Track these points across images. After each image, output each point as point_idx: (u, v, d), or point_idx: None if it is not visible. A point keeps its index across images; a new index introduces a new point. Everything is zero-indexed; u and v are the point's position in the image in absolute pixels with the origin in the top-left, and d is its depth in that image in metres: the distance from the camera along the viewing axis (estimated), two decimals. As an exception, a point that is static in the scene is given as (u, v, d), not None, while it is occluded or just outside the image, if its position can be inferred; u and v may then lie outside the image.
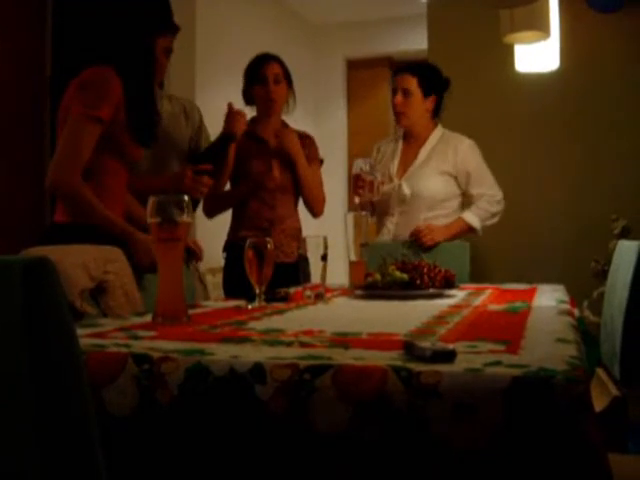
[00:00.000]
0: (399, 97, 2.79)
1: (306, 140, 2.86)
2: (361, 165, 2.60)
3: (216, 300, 2.11)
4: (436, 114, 2.87)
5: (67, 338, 0.68)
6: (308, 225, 3.04)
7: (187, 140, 2.48)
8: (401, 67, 2.89)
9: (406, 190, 2.76)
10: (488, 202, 2.78)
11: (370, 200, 2.79)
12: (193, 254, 2.26)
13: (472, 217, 2.75)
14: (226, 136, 2.42)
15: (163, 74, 2.16)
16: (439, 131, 2.87)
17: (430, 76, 2.81)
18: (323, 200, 2.90)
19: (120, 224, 1.88)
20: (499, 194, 2.80)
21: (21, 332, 0.65)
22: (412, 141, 2.87)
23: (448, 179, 2.79)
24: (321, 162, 2.92)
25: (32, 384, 0.65)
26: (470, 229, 2.76)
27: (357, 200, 2.90)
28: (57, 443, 0.66)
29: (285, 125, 2.86)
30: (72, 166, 1.83)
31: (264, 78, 2.73)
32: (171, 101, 2.48)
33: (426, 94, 2.79)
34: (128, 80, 1.89)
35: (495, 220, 2.82)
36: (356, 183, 2.62)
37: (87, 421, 0.68)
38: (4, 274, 0.65)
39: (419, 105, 2.80)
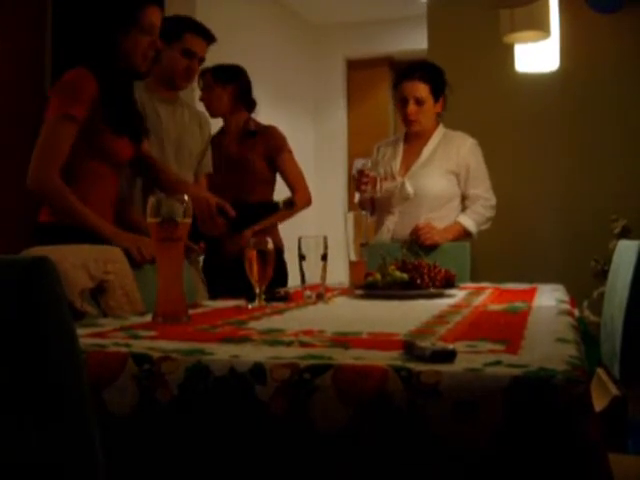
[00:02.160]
0: (412, 106, 2.74)
1: (260, 137, 2.85)
2: (363, 163, 2.60)
3: (207, 297, 2.11)
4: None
5: (67, 338, 0.68)
6: (308, 225, 3.04)
7: (200, 151, 2.50)
8: (407, 72, 2.80)
9: (409, 189, 2.76)
10: (483, 206, 2.78)
11: (371, 197, 2.78)
12: (192, 249, 2.24)
13: (469, 221, 2.75)
14: (289, 202, 2.13)
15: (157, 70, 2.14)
16: (441, 130, 2.86)
17: (439, 79, 2.79)
18: (304, 189, 2.91)
19: (101, 224, 1.88)
20: (494, 199, 2.80)
21: (21, 332, 0.65)
22: (414, 141, 2.86)
23: (451, 178, 2.78)
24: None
25: (32, 384, 0.65)
26: (466, 233, 2.76)
27: (357, 199, 2.90)
28: (57, 443, 0.66)
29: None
30: (49, 165, 1.86)
31: None
32: (189, 111, 2.51)
33: (437, 99, 2.78)
34: (102, 77, 1.92)
35: (488, 225, 2.82)
36: (359, 179, 2.62)
37: (87, 421, 0.68)
38: (4, 274, 0.65)
39: (431, 110, 2.79)
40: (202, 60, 2.42)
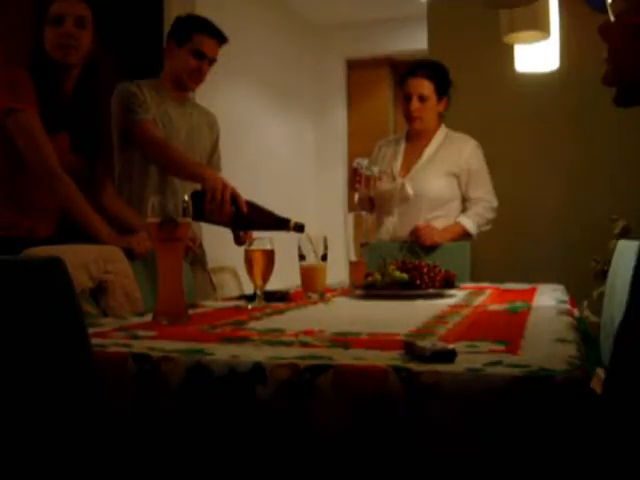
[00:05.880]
0: (416, 103, 2.75)
1: None
2: (358, 162, 2.61)
3: (217, 300, 2.11)
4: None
5: (80, 336, 0.69)
6: (308, 225, 3.04)
7: (208, 151, 2.51)
8: (412, 69, 2.81)
9: (409, 190, 2.76)
10: (484, 208, 2.78)
11: (367, 196, 2.79)
12: (188, 247, 2.23)
13: (469, 222, 2.75)
14: (299, 226, 1.88)
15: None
16: (443, 131, 2.86)
17: (444, 78, 2.79)
18: None
19: (99, 223, 1.97)
20: (495, 202, 2.80)
21: (35, 330, 0.65)
22: (416, 140, 2.86)
23: (451, 180, 2.78)
24: None
25: (45, 380, 0.65)
26: (466, 234, 2.76)
27: (356, 198, 2.90)
28: (71, 438, 0.66)
29: None
30: None
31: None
32: (198, 111, 2.52)
33: (440, 97, 2.79)
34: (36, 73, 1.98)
35: (489, 227, 2.82)
36: (353, 178, 2.63)
37: (99, 415, 0.69)
38: (18, 273, 0.66)
39: (434, 109, 2.79)
40: (213, 61, 2.40)
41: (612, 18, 0.90)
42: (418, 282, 1.80)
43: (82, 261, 1.65)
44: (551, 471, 0.75)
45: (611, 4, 0.91)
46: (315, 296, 1.74)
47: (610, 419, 0.71)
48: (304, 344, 1.02)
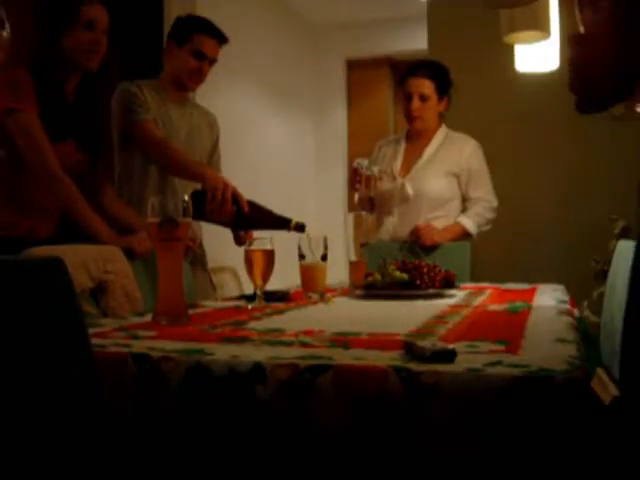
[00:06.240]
0: (416, 102, 2.76)
1: None
2: (358, 162, 2.61)
3: (217, 300, 2.11)
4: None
5: (80, 335, 0.69)
6: (308, 225, 3.03)
7: (208, 151, 2.51)
8: (413, 68, 2.82)
9: (409, 190, 2.76)
10: (484, 208, 2.78)
11: (367, 196, 2.79)
12: (188, 247, 2.22)
13: (469, 222, 2.75)
14: (300, 226, 1.87)
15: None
16: (444, 130, 2.86)
17: (444, 78, 2.80)
18: None
19: (98, 224, 1.96)
20: (495, 202, 2.80)
21: (35, 329, 0.65)
22: (416, 140, 2.86)
23: (452, 180, 2.78)
24: None
25: (45, 379, 0.65)
26: (466, 234, 2.76)
27: (356, 198, 2.91)
28: (71, 437, 0.66)
29: None
30: None
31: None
32: (198, 111, 2.52)
33: (441, 97, 2.79)
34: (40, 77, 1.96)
35: (489, 227, 2.82)
36: (354, 178, 2.63)
37: (99, 415, 0.69)
38: (18, 273, 0.66)
39: (434, 108, 2.80)
40: (213, 61, 2.40)
41: (582, 29, 0.92)
42: (418, 282, 1.80)
43: (82, 261, 1.65)
44: (551, 471, 0.75)
45: (580, 15, 0.92)
46: (315, 296, 1.74)
47: (623, 422, 0.71)
48: (304, 344, 1.02)
